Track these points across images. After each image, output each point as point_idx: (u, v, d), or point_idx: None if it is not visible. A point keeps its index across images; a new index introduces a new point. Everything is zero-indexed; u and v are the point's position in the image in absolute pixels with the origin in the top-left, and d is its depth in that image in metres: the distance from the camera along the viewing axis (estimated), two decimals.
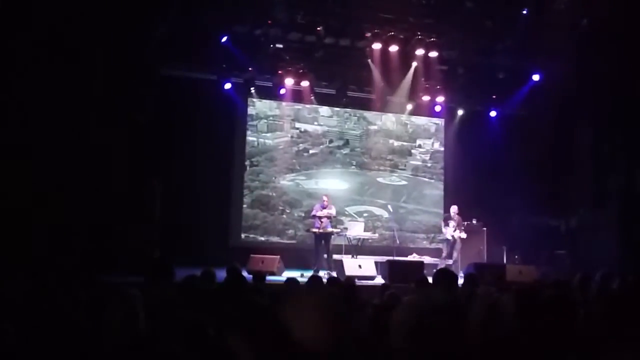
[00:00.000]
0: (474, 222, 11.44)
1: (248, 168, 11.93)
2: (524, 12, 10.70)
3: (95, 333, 2.78)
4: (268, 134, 12.15)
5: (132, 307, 2.88)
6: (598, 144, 11.57)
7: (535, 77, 11.95)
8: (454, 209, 10.97)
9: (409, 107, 12.63)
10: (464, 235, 10.78)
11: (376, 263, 9.91)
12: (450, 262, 10.59)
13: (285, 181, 12.12)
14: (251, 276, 6.63)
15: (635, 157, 10.75)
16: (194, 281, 4.05)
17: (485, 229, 11.46)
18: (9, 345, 2.42)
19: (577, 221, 11.63)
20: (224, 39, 10.63)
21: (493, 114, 12.81)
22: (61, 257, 7.17)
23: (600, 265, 9.33)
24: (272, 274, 8.92)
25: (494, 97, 12.48)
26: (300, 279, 6.19)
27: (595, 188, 11.54)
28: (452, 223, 10.81)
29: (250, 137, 12.02)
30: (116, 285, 4.59)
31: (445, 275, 3.94)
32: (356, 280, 6.48)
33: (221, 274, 5.96)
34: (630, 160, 10.84)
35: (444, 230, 11.02)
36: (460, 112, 12.90)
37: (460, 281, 6.87)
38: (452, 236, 10.74)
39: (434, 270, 4.36)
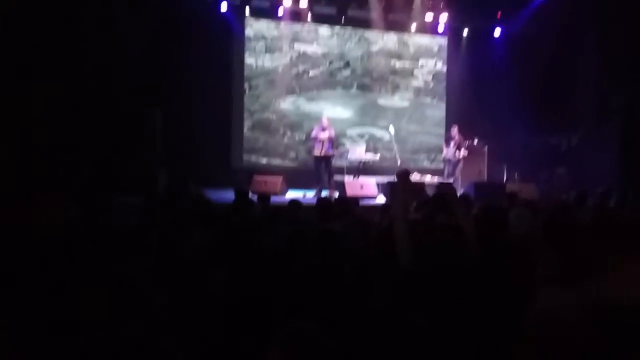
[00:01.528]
0: (475, 141, 11.44)
1: (247, 91, 11.79)
2: None
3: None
4: (267, 56, 11.90)
5: None
6: (601, 61, 11.33)
7: None
8: (454, 129, 10.95)
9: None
10: (465, 152, 10.80)
11: (378, 183, 10.03)
12: (451, 181, 10.71)
13: (286, 104, 12.01)
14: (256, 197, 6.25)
15: (639, 75, 10.57)
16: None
17: (486, 148, 11.47)
18: None
19: (578, 139, 11.63)
20: None
21: (497, 32, 12.46)
22: (64, 180, 7.28)
23: (599, 183, 9.49)
24: (275, 194, 9.02)
25: (499, 14, 12.09)
26: (302, 200, 6.30)
27: (598, 106, 11.44)
28: (452, 143, 10.83)
29: (249, 60, 11.79)
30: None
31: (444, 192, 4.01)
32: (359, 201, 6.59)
33: (225, 196, 6.06)
34: (633, 79, 10.67)
35: (445, 150, 11.06)
36: (464, 31, 12.57)
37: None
38: (454, 155, 10.79)
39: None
